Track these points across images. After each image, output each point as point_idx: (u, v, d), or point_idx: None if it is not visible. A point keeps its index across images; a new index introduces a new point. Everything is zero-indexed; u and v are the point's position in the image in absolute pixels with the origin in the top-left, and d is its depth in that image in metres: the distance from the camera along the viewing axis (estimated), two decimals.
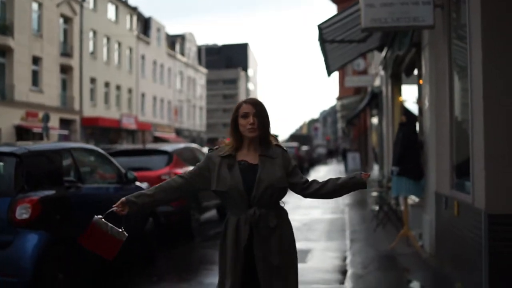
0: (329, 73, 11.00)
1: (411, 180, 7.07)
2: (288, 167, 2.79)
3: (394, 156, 7.44)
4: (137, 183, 6.99)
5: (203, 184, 2.80)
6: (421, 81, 7.84)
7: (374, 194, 10.78)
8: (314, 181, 2.85)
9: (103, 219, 2.73)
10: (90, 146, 7.01)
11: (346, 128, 33.23)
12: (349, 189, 2.84)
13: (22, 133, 29.74)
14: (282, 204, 2.86)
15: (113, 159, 6.60)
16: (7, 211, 4.59)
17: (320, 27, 7.42)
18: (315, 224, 10.08)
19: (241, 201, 2.68)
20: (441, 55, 6.29)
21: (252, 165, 2.73)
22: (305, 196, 2.86)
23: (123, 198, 2.76)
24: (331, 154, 64.06)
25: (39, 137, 27.89)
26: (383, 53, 11.29)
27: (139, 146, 10.56)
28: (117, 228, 2.78)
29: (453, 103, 6.10)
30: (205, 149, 17.27)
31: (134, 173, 8.56)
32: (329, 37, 8.12)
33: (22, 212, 4.61)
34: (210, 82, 71.77)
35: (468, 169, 4.97)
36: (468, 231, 4.98)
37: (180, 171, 8.76)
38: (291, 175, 2.81)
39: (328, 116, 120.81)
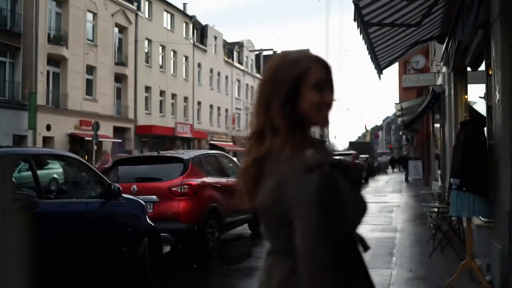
0: (379, 71, 9.35)
1: (475, 196, 5.41)
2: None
3: (453, 164, 5.78)
4: (128, 197, 5.77)
5: None
6: (490, 71, 6.19)
7: (433, 210, 9.06)
8: None
9: None
10: (65, 152, 5.86)
11: (408, 134, 31.05)
12: None
13: (75, 141, 29.76)
14: None
15: (95, 168, 5.40)
16: None
17: (358, 4, 5.92)
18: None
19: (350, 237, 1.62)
20: None
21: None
22: None
23: None
24: (394, 162, 61.11)
25: (91, 145, 27.75)
26: (444, 45, 9.61)
27: (153, 153, 9.37)
28: None
29: None
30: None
31: (143, 184, 7.47)
32: (372, 18, 6.59)
33: None
34: None
35: None
36: None
37: (197, 181, 7.50)
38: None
39: (392, 123, 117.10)
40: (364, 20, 6.37)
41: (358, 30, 6.67)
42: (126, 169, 8.05)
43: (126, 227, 5.53)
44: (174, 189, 7.25)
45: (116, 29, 34.82)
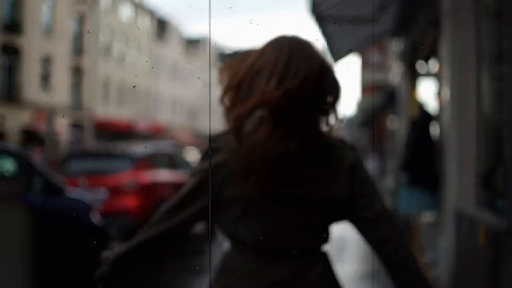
0: (335, 60, 9.36)
1: (424, 191, 5.45)
2: None
3: (403, 161, 5.81)
4: (73, 192, 5.56)
5: None
6: (438, 68, 6.26)
7: None
8: None
9: None
10: (4, 145, 5.61)
11: (367, 131, 31.45)
12: None
13: (30, 134, 28.91)
14: None
15: (36, 163, 5.16)
16: None
17: None
18: None
19: None
20: (465, 29, 4.72)
21: None
22: None
23: None
24: None
25: (46, 139, 26.99)
26: (398, 42, 9.69)
27: (104, 146, 9.14)
28: None
29: (480, 91, 4.56)
30: (190, 152, 15.77)
31: (93, 178, 7.26)
32: (328, 12, 6.55)
33: None
34: None
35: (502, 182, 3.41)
36: (501, 269, 3.39)
37: (147, 177, 7.33)
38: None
39: (353, 120, 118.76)
40: (319, 14, 6.33)
41: (314, 24, 6.65)
42: (77, 163, 7.82)
43: (69, 225, 5.32)
44: (124, 185, 7.06)
45: (74, 18, 33.96)
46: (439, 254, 5.75)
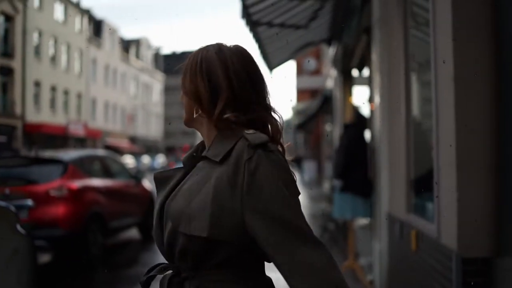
0: (270, 69, 9.40)
1: (357, 197, 5.51)
2: (239, 186, 1.24)
3: (336, 166, 5.86)
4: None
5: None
6: (371, 74, 6.37)
7: (321, 210, 9.26)
8: None
9: None
10: None
11: (303, 135, 31.87)
12: None
13: None
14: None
15: None
16: None
17: (245, 3, 5.82)
18: None
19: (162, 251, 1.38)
20: (394, 37, 4.81)
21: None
22: None
23: None
24: (293, 163, 62.78)
25: None
26: (332, 48, 9.84)
27: (31, 153, 8.72)
28: None
29: (410, 98, 4.64)
30: (127, 157, 15.39)
31: (18, 187, 6.88)
32: (260, 18, 6.53)
33: None
34: (169, 89, 69.54)
35: (431, 186, 3.47)
36: (432, 273, 3.45)
37: (77, 184, 7.03)
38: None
39: (289, 125, 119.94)
40: (251, 19, 6.30)
41: (247, 29, 6.61)
42: (1, 170, 7.38)
43: None
44: (52, 192, 6.72)
45: (1, 18, 32.44)
46: (373, 258, 5.84)
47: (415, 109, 4.73)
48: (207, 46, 1.42)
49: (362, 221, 7.06)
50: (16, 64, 33.27)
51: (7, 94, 33.03)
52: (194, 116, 1.38)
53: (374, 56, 5.76)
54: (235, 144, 1.27)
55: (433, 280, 3.38)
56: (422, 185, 4.13)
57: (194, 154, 1.42)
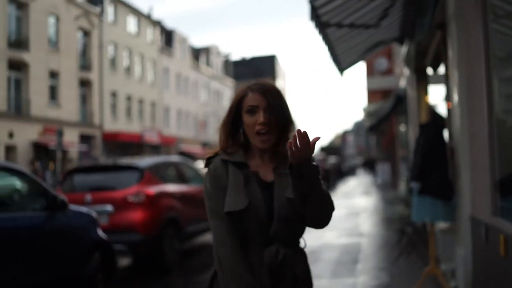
0: (340, 71, 9.22)
1: (437, 200, 5.27)
2: None
3: (413, 168, 5.63)
4: (76, 208, 5.44)
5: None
6: (446, 72, 6.10)
7: (399, 214, 8.97)
8: None
9: None
10: (3, 162, 5.51)
11: (375, 137, 31.23)
12: (300, 183, 1.74)
13: (40, 149, 28.94)
14: (302, 243, 1.96)
15: (40, 180, 5.05)
16: None
17: (313, 5, 5.73)
18: (324, 252, 8.23)
19: (259, 232, 1.80)
20: (472, 31, 4.57)
21: (267, 183, 1.86)
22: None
23: None
24: (365, 165, 61.58)
25: (55, 153, 27.00)
26: (405, 46, 9.53)
27: (109, 161, 9.03)
28: None
29: (491, 94, 4.39)
30: (200, 163, 15.56)
31: (98, 193, 7.14)
32: (329, 19, 6.41)
33: None
34: None
35: None
36: None
37: (154, 190, 7.20)
38: None
39: (361, 126, 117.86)
40: (321, 21, 6.19)
41: (317, 31, 6.51)
42: (81, 178, 7.70)
43: (73, 241, 5.20)
44: (130, 198, 6.93)
45: (80, 33, 34.13)
46: (457, 264, 5.56)
47: (496, 106, 4.47)
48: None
49: (442, 224, 6.75)
50: (93, 76, 34.87)
51: (86, 105, 34.68)
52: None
53: (451, 53, 5.51)
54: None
55: None
56: (509, 187, 3.88)
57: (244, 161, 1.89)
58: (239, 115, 1.88)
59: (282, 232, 1.81)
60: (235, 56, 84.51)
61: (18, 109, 28.29)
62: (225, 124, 1.91)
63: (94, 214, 5.76)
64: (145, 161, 7.76)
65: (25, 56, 28.30)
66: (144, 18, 42.48)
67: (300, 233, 1.90)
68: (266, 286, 1.78)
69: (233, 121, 1.89)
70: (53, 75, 31.08)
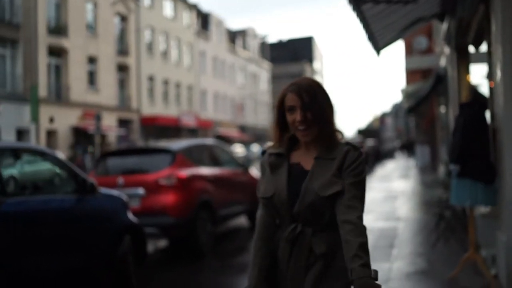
0: (377, 50, 8.91)
1: (477, 183, 5.01)
2: (342, 165, 2.04)
3: (452, 150, 5.36)
4: (106, 191, 5.43)
5: None
6: (491, 49, 5.77)
7: (437, 197, 8.68)
8: (349, 222, 1.96)
9: None
10: (34, 146, 5.48)
11: (414, 119, 30.51)
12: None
13: (79, 133, 29.55)
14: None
15: (69, 163, 5.04)
16: None
17: None
18: None
19: (285, 213, 2.10)
20: None
21: (304, 171, 2.11)
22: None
23: None
24: (404, 147, 60.48)
25: (94, 137, 27.51)
26: (445, 23, 9.15)
27: (141, 144, 9.02)
28: None
29: None
30: (237, 146, 15.37)
31: (130, 176, 7.15)
32: None
33: None
34: (275, 77, 70.08)
35: None
36: None
37: (186, 173, 7.16)
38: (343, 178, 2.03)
39: (400, 108, 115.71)
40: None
41: (351, 8, 6.27)
42: (113, 162, 7.72)
43: (103, 224, 5.19)
44: (161, 181, 6.90)
45: (117, 18, 34.48)
46: (498, 249, 5.32)
47: None
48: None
49: (483, 209, 6.47)
50: (131, 60, 35.23)
51: (124, 89, 35.13)
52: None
53: (494, 28, 5.20)
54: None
55: None
56: None
57: (282, 152, 2.16)
58: (284, 114, 2.11)
59: (304, 213, 2.04)
60: (272, 39, 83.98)
61: (58, 95, 28.88)
62: (275, 123, 2.18)
63: (124, 197, 5.75)
64: (177, 144, 7.70)
65: (65, 42, 28.78)
66: (180, 1, 42.55)
67: (328, 217, 2.04)
68: (284, 256, 2.07)
69: (281, 119, 2.13)
70: (92, 60, 31.55)
